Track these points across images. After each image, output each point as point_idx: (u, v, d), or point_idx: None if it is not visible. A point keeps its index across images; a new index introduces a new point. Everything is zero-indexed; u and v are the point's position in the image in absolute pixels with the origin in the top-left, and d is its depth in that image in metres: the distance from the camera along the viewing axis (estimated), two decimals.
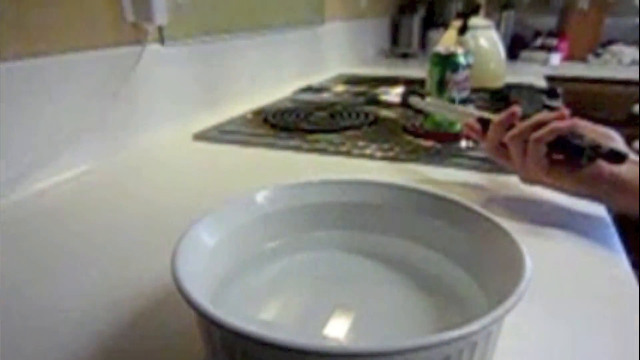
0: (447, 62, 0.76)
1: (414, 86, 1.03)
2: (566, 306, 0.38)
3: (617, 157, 0.45)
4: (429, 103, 0.73)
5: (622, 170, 0.46)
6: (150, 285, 0.40)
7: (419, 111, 0.78)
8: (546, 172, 0.50)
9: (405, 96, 0.77)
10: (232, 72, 1.06)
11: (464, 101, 0.77)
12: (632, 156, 0.47)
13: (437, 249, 0.39)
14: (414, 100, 0.74)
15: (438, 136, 0.77)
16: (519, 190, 0.60)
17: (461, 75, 0.76)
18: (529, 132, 0.50)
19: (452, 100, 0.76)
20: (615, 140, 0.50)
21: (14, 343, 0.34)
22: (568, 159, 0.49)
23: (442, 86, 0.76)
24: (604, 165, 0.46)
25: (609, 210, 0.54)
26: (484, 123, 0.57)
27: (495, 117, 0.55)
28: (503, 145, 0.53)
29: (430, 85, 0.78)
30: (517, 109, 0.53)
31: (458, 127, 0.75)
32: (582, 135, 0.48)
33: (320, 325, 0.33)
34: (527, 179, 0.53)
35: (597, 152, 0.45)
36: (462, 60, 0.75)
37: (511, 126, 0.53)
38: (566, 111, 0.50)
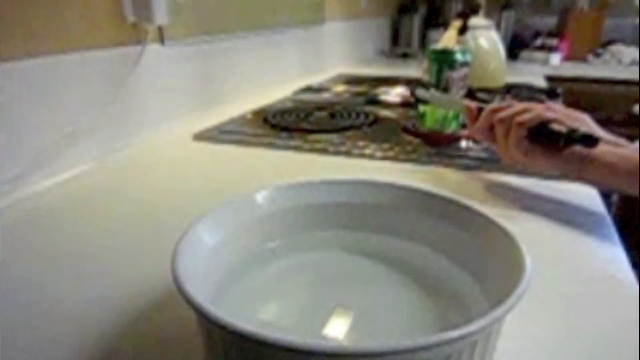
0: (444, 59, 0.76)
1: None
2: (566, 306, 0.38)
3: (590, 141, 0.50)
4: (433, 94, 0.75)
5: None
6: (150, 285, 0.40)
7: (421, 101, 0.79)
8: (524, 153, 0.55)
9: (412, 89, 0.81)
10: (232, 72, 1.06)
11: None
12: (603, 135, 0.54)
13: (437, 249, 0.39)
14: (420, 91, 0.76)
15: (438, 137, 0.77)
16: (519, 190, 0.60)
17: (459, 72, 0.76)
18: (514, 116, 0.56)
19: None
20: (589, 125, 0.56)
21: (14, 343, 0.34)
22: (546, 143, 0.53)
23: (439, 83, 0.76)
24: (577, 148, 0.52)
25: (609, 209, 0.55)
26: (479, 111, 0.63)
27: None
28: (492, 129, 0.59)
29: (427, 82, 0.78)
30: (512, 101, 0.60)
31: (453, 125, 0.76)
32: (561, 123, 0.53)
33: (320, 326, 0.33)
34: (508, 159, 0.58)
35: (573, 137, 0.51)
36: (459, 57, 0.75)
37: None
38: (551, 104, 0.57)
